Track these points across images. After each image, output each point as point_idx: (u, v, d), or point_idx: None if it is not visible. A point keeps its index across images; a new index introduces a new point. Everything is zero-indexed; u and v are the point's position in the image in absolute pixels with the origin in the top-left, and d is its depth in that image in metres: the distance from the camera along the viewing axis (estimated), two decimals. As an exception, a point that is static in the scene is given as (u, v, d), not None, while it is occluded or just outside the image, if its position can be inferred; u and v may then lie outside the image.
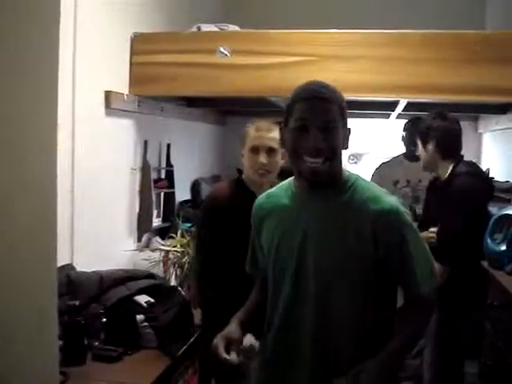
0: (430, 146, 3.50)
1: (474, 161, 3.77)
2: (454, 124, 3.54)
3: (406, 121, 4.65)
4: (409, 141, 4.47)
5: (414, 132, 4.15)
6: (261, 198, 2.23)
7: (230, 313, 2.16)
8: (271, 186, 2.30)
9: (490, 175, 3.71)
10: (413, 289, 1.97)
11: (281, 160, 2.83)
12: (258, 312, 2.15)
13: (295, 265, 1.98)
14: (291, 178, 2.13)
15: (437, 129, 3.49)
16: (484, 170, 3.66)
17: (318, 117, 1.90)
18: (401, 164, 4.59)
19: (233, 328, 2.05)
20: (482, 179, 3.55)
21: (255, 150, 2.77)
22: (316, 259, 1.95)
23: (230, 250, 2.69)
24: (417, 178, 4.40)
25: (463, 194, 3.31)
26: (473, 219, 3.26)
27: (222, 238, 2.75)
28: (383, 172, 4.57)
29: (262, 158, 2.75)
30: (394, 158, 4.74)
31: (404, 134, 4.59)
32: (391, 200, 1.98)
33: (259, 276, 2.22)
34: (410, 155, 4.43)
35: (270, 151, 2.77)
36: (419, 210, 4.04)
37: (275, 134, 2.74)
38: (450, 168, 3.45)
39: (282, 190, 2.15)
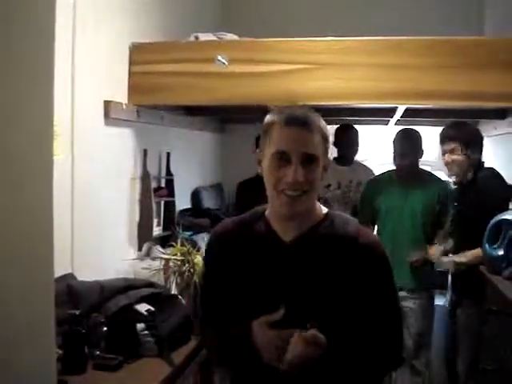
0: (472, 155, 3.76)
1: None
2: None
3: (336, 128, 5.03)
4: (339, 145, 4.96)
5: (350, 138, 4.93)
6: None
7: None
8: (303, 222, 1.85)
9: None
10: None
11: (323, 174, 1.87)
12: None
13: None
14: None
15: (478, 141, 3.82)
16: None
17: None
18: (332, 169, 4.80)
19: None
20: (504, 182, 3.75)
21: (282, 158, 1.76)
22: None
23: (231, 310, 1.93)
24: (347, 179, 4.83)
25: (492, 196, 3.61)
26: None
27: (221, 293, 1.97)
28: None
29: (293, 172, 1.74)
30: None
31: (336, 139, 4.97)
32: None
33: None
34: (341, 159, 4.95)
35: (309, 161, 1.77)
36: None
37: (319, 132, 1.81)
38: (472, 173, 3.77)
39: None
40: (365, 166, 5.18)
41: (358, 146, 5.01)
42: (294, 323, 1.75)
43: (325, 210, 1.92)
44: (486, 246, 3.20)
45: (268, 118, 1.85)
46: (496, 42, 3.54)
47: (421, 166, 4.36)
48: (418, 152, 4.21)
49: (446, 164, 3.86)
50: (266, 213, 1.92)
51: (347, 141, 4.94)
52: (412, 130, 4.31)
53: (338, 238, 1.84)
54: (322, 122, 1.82)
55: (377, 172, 4.93)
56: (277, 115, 1.82)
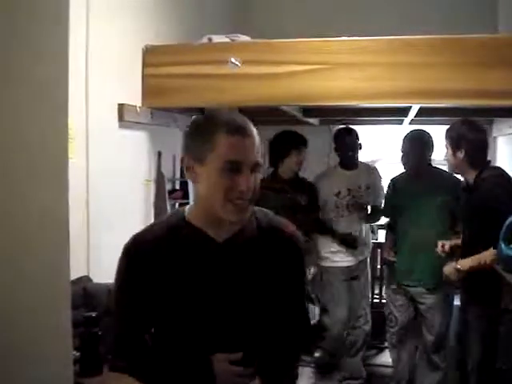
0: (461, 155, 3.64)
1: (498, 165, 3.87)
2: (483, 134, 3.75)
3: (336, 132, 4.87)
4: (344, 150, 4.73)
5: (352, 141, 4.69)
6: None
7: None
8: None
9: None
10: None
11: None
12: None
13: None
14: None
15: (468, 140, 3.64)
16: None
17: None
18: (339, 175, 4.78)
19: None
20: (508, 182, 3.63)
21: (232, 167, 1.71)
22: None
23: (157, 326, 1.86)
24: (356, 184, 4.69)
25: (488, 197, 3.49)
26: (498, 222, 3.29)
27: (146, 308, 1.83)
28: (322, 184, 4.73)
29: (246, 181, 1.72)
30: (330, 168, 4.96)
31: (337, 144, 4.80)
32: None
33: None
34: (346, 164, 4.76)
35: (255, 169, 1.76)
36: None
37: (258, 138, 1.79)
38: (476, 174, 3.63)
39: None
40: (369, 165, 5.07)
41: (360, 147, 4.82)
42: (234, 324, 1.80)
43: None
44: (502, 245, 3.17)
45: (204, 123, 1.80)
46: (508, 39, 3.52)
47: (435, 165, 4.36)
48: (425, 152, 4.25)
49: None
50: (189, 216, 1.86)
51: (350, 144, 4.74)
52: (420, 131, 4.37)
53: (265, 232, 1.88)
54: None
55: (388, 171, 4.93)
56: (216, 121, 1.75)
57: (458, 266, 3.57)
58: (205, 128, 1.76)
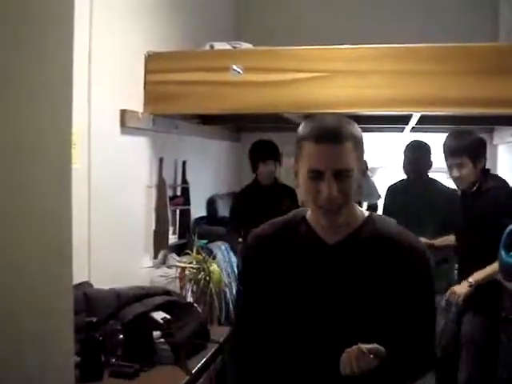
0: (480, 166, 3.56)
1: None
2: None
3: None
4: None
5: None
6: None
7: None
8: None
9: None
10: None
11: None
12: None
13: None
14: None
15: (484, 148, 3.61)
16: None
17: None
18: None
19: None
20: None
21: (316, 175, 1.74)
22: None
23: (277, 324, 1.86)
24: None
25: (497, 206, 3.44)
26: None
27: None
28: None
29: (327, 189, 1.72)
30: None
31: None
32: None
33: None
34: None
35: (342, 175, 1.73)
36: None
37: (351, 141, 1.74)
38: (479, 183, 3.57)
39: None
40: None
41: None
42: (341, 325, 1.78)
43: (366, 212, 1.92)
44: (502, 253, 3.16)
45: (300, 130, 1.83)
46: (509, 48, 3.53)
47: (436, 173, 4.39)
48: (427, 163, 4.34)
49: (456, 179, 3.66)
50: (307, 216, 1.91)
51: None
52: (422, 142, 4.48)
53: (381, 240, 1.84)
54: (354, 127, 1.79)
55: (389, 179, 4.97)
56: (307, 129, 1.79)
57: (471, 281, 3.46)
58: (299, 135, 1.82)
